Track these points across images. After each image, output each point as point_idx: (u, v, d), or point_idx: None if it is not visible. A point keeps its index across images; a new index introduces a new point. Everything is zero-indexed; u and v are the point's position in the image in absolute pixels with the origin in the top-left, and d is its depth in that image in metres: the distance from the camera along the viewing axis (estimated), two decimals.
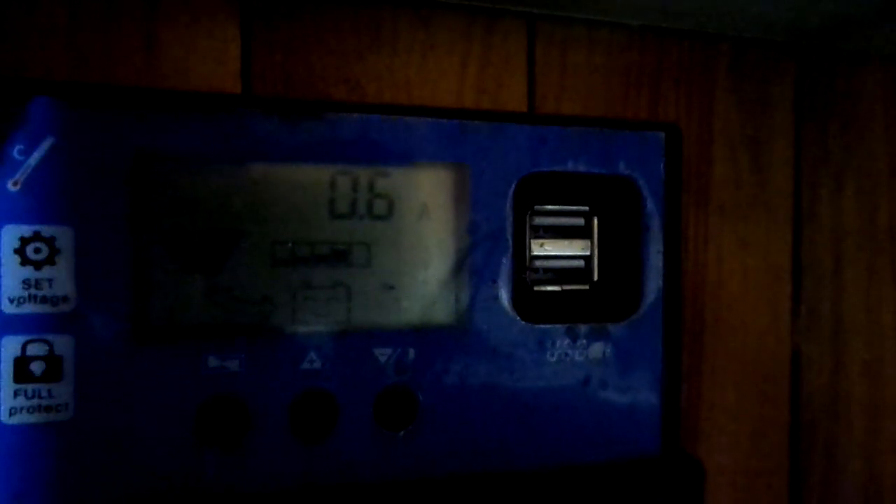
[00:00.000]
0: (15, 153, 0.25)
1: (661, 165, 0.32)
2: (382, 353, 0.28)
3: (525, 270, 0.32)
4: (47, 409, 0.25)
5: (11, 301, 0.25)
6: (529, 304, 0.31)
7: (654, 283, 0.32)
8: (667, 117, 0.33)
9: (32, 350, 0.25)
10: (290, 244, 0.27)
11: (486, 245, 0.30)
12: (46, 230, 0.25)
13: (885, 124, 0.37)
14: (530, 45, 0.31)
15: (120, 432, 0.26)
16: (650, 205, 0.32)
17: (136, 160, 0.26)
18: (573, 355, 0.31)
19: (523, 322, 0.31)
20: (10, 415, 0.25)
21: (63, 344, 0.25)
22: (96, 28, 0.26)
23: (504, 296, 0.30)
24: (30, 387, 0.25)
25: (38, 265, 0.25)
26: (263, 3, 0.28)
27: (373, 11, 0.29)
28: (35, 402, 0.25)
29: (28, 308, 0.25)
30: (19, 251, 0.25)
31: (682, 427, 0.33)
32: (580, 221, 0.33)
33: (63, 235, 0.25)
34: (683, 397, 0.33)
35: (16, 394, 0.25)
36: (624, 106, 0.32)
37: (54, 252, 0.25)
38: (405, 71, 0.29)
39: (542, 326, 0.31)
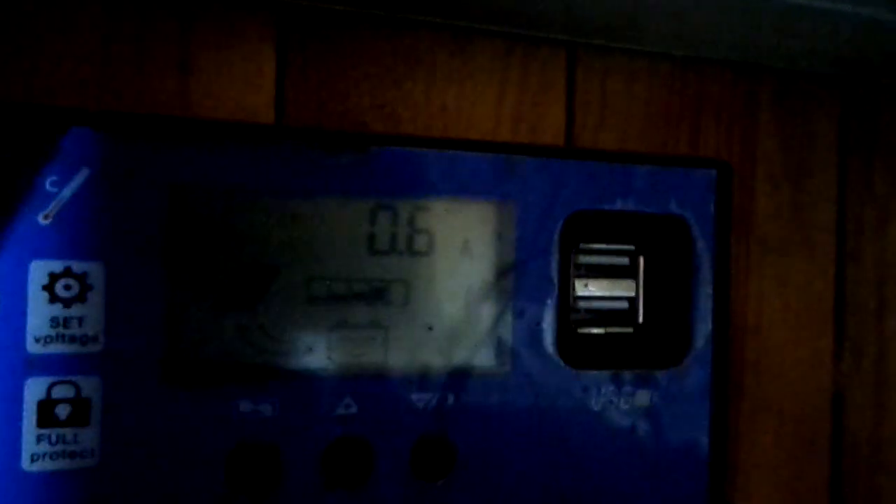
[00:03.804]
0: (47, 185, 0.23)
1: (713, 204, 0.31)
2: (420, 399, 0.27)
3: (570, 312, 0.31)
4: (72, 454, 0.24)
5: (37, 340, 0.23)
6: (573, 347, 0.30)
7: (703, 327, 0.31)
8: (707, 150, 0.32)
9: (58, 392, 0.24)
10: (327, 281, 0.26)
11: (531, 285, 0.29)
12: (78, 266, 0.24)
13: None
14: (570, 74, 0.30)
15: (147, 479, 0.24)
16: (701, 245, 0.31)
17: (172, 193, 0.25)
18: (618, 403, 0.30)
19: (568, 368, 0.29)
20: (32, 461, 0.23)
21: (91, 386, 0.24)
22: (129, 51, 0.25)
23: (549, 339, 0.29)
24: (54, 431, 0.23)
25: (67, 303, 0.24)
26: (299, 26, 0.27)
27: (410, 37, 0.28)
28: (59, 447, 0.24)
29: (55, 348, 0.24)
30: (48, 288, 0.24)
31: None
32: (625, 261, 0.32)
33: (95, 271, 0.24)
34: None
35: (39, 439, 0.23)
36: (664, 138, 0.32)
37: (85, 289, 0.24)
38: (441, 98, 0.29)
39: (587, 373, 0.29)
